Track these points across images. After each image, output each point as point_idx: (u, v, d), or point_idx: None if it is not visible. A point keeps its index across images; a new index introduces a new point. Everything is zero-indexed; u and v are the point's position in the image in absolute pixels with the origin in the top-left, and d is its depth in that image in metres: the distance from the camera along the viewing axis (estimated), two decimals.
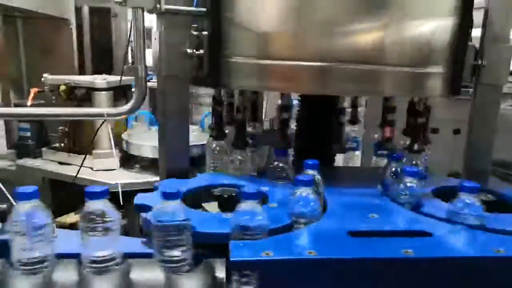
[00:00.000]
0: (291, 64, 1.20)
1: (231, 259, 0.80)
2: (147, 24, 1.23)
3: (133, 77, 1.30)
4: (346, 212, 1.06)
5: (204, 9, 1.22)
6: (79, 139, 2.24)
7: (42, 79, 2.18)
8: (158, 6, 1.16)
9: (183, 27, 1.22)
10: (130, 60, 4.95)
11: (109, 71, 3.51)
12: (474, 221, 0.97)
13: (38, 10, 2.58)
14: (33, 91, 2.17)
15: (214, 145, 1.46)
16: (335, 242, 0.89)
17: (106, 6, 4.21)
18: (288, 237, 0.92)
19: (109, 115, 1.25)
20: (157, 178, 1.42)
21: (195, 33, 1.22)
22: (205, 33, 1.22)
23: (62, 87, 2.14)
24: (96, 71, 3.43)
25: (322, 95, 1.42)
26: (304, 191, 0.98)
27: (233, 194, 1.18)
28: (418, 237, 0.92)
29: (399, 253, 0.83)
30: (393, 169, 1.22)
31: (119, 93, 2.24)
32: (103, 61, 4.14)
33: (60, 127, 2.25)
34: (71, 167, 2.22)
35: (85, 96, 2.12)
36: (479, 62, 1.30)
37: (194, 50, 1.23)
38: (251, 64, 1.22)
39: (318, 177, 1.06)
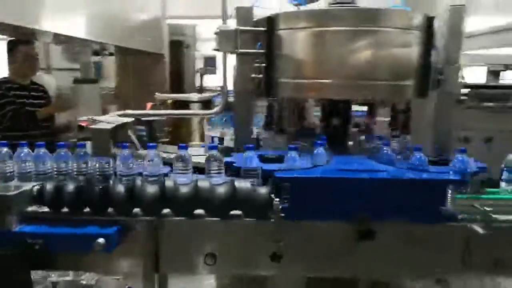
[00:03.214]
0: (314, 81, 1.99)
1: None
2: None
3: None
4: (342, 164, 1.78)
5: (263, 50, 2.04)
6: (178, 135, 3.14)
7: (155, 96, 3.13)
8: (236, 50, 2.00)
9: (250, 61, 2.05)
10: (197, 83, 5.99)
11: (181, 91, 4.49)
12: (417, 166, 1.66)
13: (145, 49, 3.58)
14: (149, 104, 3.12)
15: (265, 133, 2.27)
16: (332, 173, 1.63)
17: (180, 39, 5.26)
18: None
19: (205, 114, 2.10)
20: None
21: (257, 65, 2.05)
22: (263, 64, 2.04)
23: (169, 101, 3.09)
24: (172, 91, 4.42)
25: (335, 100, 2.17)
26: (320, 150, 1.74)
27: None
28: (378, 172, 1.63)
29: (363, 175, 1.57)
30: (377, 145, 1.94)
31: (205, 105, 3.15)
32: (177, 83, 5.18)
33: (165, 128, 3.14)
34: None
35: (184, 107, 3.05)
36: (440, 77, 2.01)
37: (256, 75, 2.05)
38: (289, 82, 2.03)
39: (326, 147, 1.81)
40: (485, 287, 1.85)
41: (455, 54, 2.00)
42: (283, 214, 1.47)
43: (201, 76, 5.75)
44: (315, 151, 1.75)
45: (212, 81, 6.53)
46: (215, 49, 2.03)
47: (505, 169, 1.64)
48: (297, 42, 1.99)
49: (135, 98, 3.91)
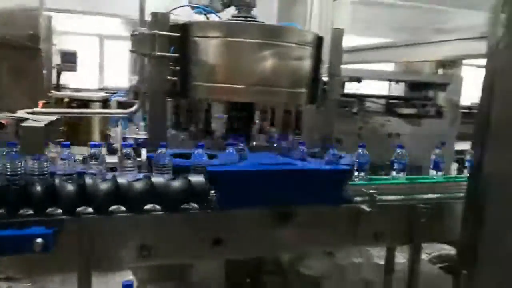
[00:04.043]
0: (224, 86, 2.21)
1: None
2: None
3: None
4: (259, 159, 2.05)
5: (177, 55, 2.17)
6: (76, 136, 2.99)
7: (50, 94, 2.91)
8: (153, 52, 2.09)
9: (165, 64, 2.15)
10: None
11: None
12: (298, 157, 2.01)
13: (18, 43, 3.26)
14: (41, 103, 2.87)
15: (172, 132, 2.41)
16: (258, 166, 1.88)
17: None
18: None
19: (121, 113, 2.13)
20: None
21: (171, 67, 2.17)
22: (177, 67, 2.17)
23: (66, 100, 2.92)
24: None
25: (242, 102, 2.43)
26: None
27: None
28: (292, 164, 1.94)
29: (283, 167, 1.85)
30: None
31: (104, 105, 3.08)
32: None
33: (61, 127, 2.94)
34: None
35: (82, 106, 2.92)
36: (326, 87, 2.44)
37: (171, 77, 2.17)
38: (202, 85, 2.21)
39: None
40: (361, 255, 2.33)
41: (337, 68, 2.44)
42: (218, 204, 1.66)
43: (58, 73, 5.36)
44: (229, 150, 1.95)
45: (71, 79, 6.15)
46: (131, 51, 2.08)
47: (395, 160, 2.10)
48: (210, 49, 2.19)
49: (10, 96, 3.52)
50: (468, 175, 1.88)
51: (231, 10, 2.47)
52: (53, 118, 1.94)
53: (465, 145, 5.42)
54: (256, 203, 1.76)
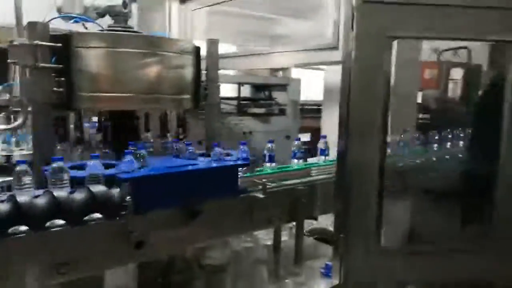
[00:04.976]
0: (108, 95, 2.24)
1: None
2: None
3: None
4: (160, 163, 2.14)
5: (62, 65, 2.11)
6: None
7: None
8: (37, 64, 2.00)
9: (49, 75, 2.08)
10: None
11: None
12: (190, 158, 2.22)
13: None
14: None
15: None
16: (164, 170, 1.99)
17: None
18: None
19: (6, 129, 1.98)
20: None
21: (56, 78, 2.10)
22: (63, 78, 2.12)
23: None
24: None
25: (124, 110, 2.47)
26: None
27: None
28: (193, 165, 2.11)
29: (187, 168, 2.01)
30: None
31: None
32: None
33: None
34: None
35: None
36: (206, 92, 2.65)
37: (56, 89, 2.10)
38: (87, 96, 2.20)
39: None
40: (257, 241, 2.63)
41: (215, 74, 2.68)
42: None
43: None
44: (127, 158, 2.02)
45: None
46: (11, 62, 1.96)
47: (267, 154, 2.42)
48: (95, 60, 2.19)
49: None
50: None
51: (107, 20, 2.49)
52: None
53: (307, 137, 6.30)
54: (167, 204, 1.88)
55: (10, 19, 2.10)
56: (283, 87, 6.86)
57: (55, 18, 2.18)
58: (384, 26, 2.06)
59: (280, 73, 7.70)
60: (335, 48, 2.86)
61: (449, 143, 3.22)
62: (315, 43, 3.10)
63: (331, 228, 3.21)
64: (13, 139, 2.55)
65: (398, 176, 2.76)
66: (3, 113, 2.88)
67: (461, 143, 3.29)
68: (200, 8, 3.94)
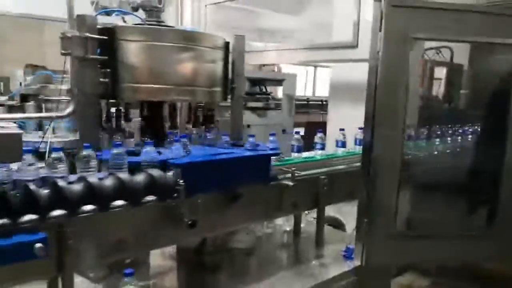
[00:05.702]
0: (148, 86, 2.37)
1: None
2: None
3: None
4: (203, 151, 2.28)
5: (107, 57, 2.23)
6: None
7: None
8: (87, 55, 2.12)
9: (96, 66, 2.19)
10: None
11: None
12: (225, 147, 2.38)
13: None
14: None
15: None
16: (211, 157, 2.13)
17: None
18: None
19: (57, 116, 2.09)
20: None
21: (103, 70, 2.22)
22: (108, 70, 2.23)
23: None
24: None
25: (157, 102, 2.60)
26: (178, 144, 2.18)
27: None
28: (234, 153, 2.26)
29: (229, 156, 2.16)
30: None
31: None
32: None
33: None
34: None
35: None
36: (234, 85, 2.79)
37: (103, 79, 2.22)
38: (130, 86, 2.32)
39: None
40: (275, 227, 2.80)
41: (241, 69, 2.82)
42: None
43: None
44: (176, 145, 2.16)
45: None
46: (64, 53, 2.07)
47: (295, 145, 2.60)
48: (136, 52, 2.31)
49: None
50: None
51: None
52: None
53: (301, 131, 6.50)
54: (212, 188, 2.03)
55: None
56: (278, 82, 7.04)
57: (101, 12, 2.28)
58: (409, 28, 2.25)
59: (275, 68, 7.88)
60: (354, 47, 3.05)
61: (448, 138, 3.46)
62: (332, 41, 3.28)
63: (338, 216, 3.44)
64: (47, 127, 2.64)
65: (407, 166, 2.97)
66: (32, 102, 2.98)
67: (459, 138, 3.53)
68: (214, 4, 4.06)
